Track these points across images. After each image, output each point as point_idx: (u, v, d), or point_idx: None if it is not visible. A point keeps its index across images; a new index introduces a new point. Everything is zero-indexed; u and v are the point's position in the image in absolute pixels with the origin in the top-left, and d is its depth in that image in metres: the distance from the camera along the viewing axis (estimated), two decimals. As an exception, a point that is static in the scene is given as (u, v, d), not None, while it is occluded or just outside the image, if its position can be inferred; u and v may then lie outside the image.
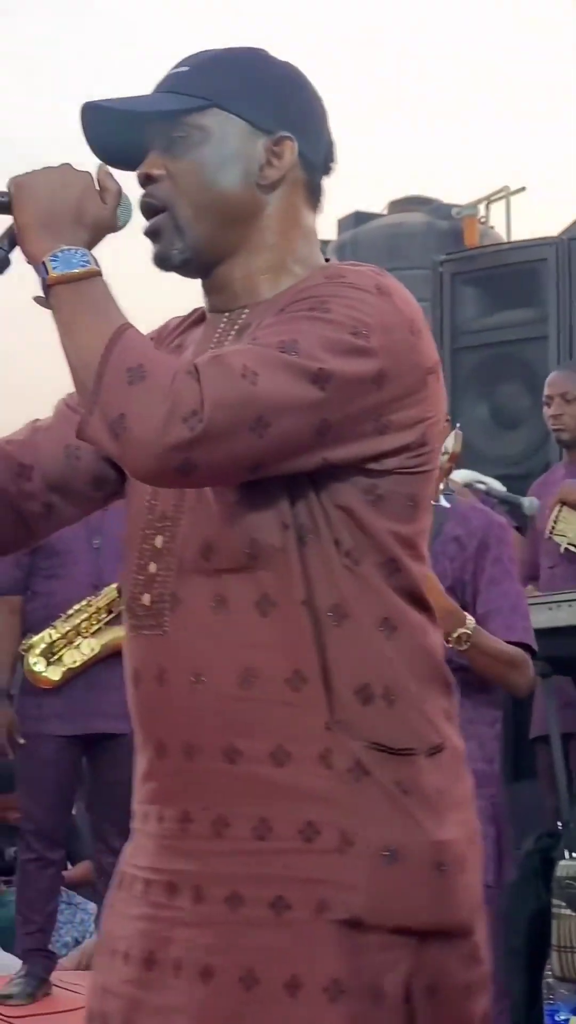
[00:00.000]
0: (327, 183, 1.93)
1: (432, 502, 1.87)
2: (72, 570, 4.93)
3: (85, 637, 5.01)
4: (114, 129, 1.84)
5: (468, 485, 4.51)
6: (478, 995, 1.79)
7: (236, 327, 1.86)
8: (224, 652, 1.75)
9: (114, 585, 4.99)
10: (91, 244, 1.76)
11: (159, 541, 1.82)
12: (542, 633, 3.70)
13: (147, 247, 1.88)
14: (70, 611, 5.03)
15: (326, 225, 7.91)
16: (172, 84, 1.86)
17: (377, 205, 8.07)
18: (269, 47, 1.92)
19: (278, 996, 1.70)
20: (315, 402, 1.67)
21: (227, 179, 1.84)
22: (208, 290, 1.90)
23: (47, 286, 1.73)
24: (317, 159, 1.89)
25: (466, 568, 3.48)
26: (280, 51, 1.90)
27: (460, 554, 3.49)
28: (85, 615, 5.02)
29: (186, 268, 1.86)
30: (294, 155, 1.86)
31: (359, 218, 7.92)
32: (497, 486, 4.91)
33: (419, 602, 1.82)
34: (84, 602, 5.04)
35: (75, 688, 5.02)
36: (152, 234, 1.86)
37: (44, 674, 5.00)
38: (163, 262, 1.86)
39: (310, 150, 1.88)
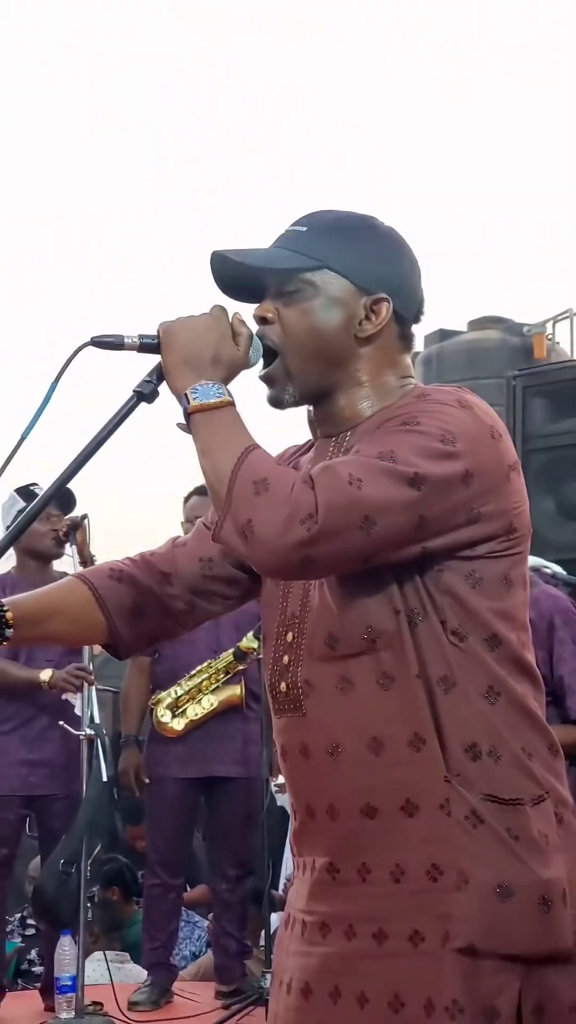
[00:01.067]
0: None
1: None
2: (194, 636, 4.85)
3: (205, 694, 5.48)
4: (237, 272, 1.96)
5: (536, 569, 4.63)
6: None
7: (343, 448, 1.96)
8: (354, 726, 1.86)
9: (231, 650, 5.48)
10: (227, 380, 1.88)
11: (290, 636, 1.94)
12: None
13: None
14: (193, 672, 5.52)
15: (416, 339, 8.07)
16: (291, 242, 1.97)
17: (459, 323, 8.27)
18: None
19: (419, 1017, 1.80)
20: (413, 501, 1.76)
21: (330, 330, 1.95)
22: (316, 421, 2.04)
23: (188, 414, 1.84)
24: (409, 314, 2.01)
25: (537, 649, 3.51)
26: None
27: (531, 636, 3.61)
28: (206, 675, 5.53)
29: (295, 406, 2.01)
30: (389, 313, 1.97)
31: (443, 334, 8.18)
32: (561, 571, 5.08)
33: (522, 669, 1.90)
34: (205, 664, 5.52)
35: (196, 738, 5.52)
36: (267, 381, 1.98)
37: (170, 725, 5.49)
38: (277, 405, 2.00)
39: (404, 307, 1.99)
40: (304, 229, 1.98)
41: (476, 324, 8.21)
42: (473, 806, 1.84)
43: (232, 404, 1.85)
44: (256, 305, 2.00)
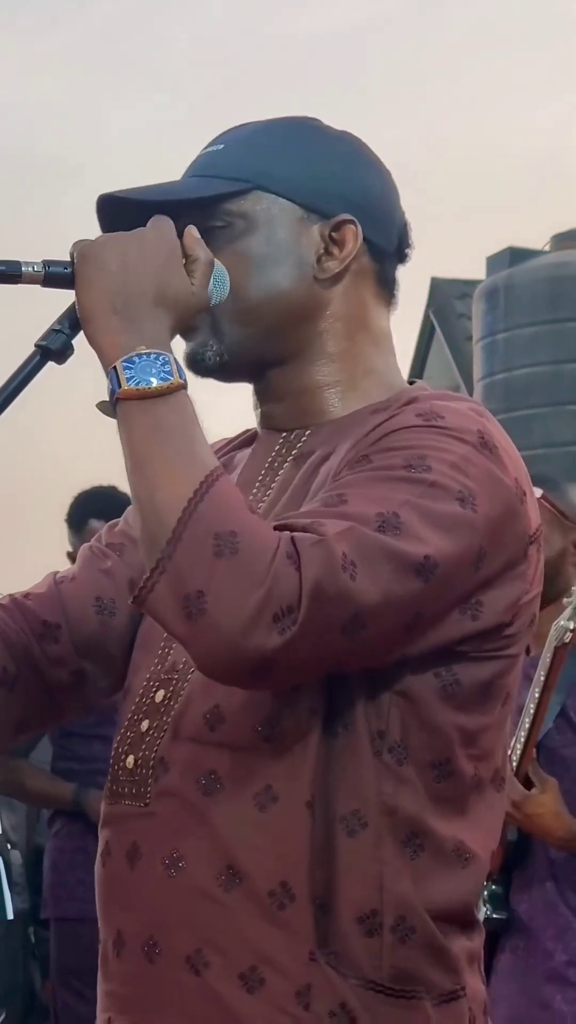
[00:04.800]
0: (404, 272, 1.88)
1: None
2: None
3: None
4: (137, 222, 1.74)
5: None
6: None
7: (294, 453, 1.81)
8: (208, 841, 1.67)
9: None
10: (175, 329, 1.69)
11: (160, 696, 1.76)
12: None
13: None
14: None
15: (473, 262, 7.69)
16: (206, 166, 1.81)
17: (538, 239, 7.96)
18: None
19: None
20: (416, 596, 1.59)
21: (277, 274, 1.79)
22: (259, 400, 1.85)
23: (117, 399, 1.63)
24: (388, 244, 1.82)
25: None
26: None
27: None
28: None
29: (223, 374, 1.80)
30: (358, 241, 1.79)
31: (515, 255, 7.84)
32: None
33: (468, 816, 1.71)
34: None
35: None
36: (183, 331, 1.78)
37: None
38: (195, 364, 1.79)
39: (378, 234, 1.81)
40: (221, 147, 1.80)
41: (563, 240, 7.73)
42: (344, 998, 1.63)
43: (184, 387, 1.62)
44: None
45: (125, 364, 1.63)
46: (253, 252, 1.78)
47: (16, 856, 4.66)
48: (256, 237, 1.78)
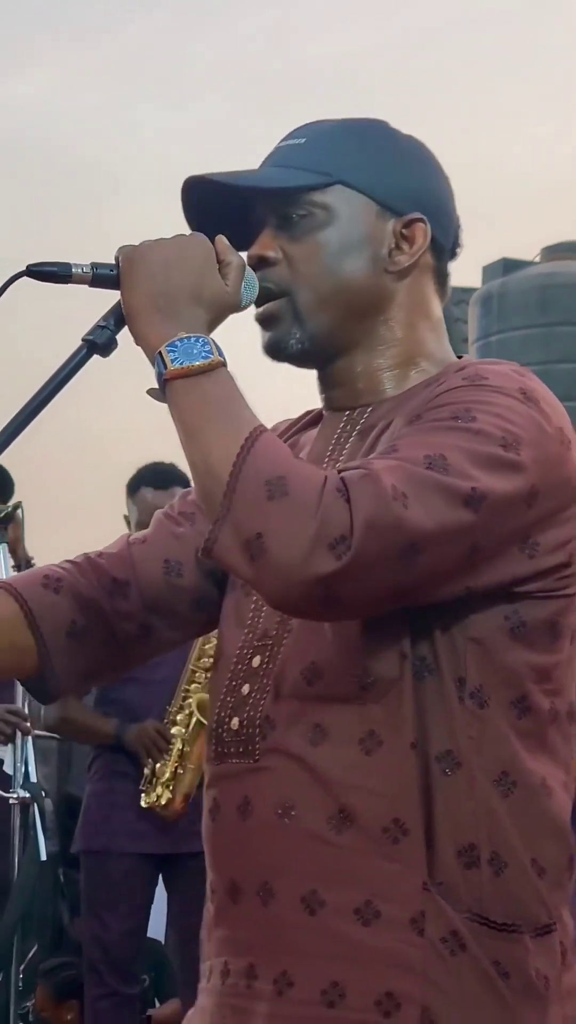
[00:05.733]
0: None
1: None
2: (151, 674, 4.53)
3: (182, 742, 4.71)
4: (218, 205, 1.78)
5: None
6: None
7: (358, 428, 1.80)
8: (319, 789, 1.68)
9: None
10: (211, 326, 1.70)
11: (256, 661, 1.77)
12: None
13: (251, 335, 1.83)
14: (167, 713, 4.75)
15: (469, 271, 7.86)
16: (288, 158, 1.80)
17: (529, 251, 8.04)
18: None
19: None
20: (467, 526, 1.60)
21: (354, 265, 1.78)
22: (325, 385, 1.84)
23: (164, 380, 1.65)
24: (447, 242, 1.84)
25: None
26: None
27: None
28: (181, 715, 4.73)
29: (302, 359, 1.80)
30: (427, 239, 1.80)
31: (508, 266, 7.86)
32: None
33: (548, 750, 1.73)
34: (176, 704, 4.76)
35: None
36: (266, 320, 1.80)
37: (172, 803, 4.63)
38: (277, 351, 1.80)
39: (441, 232, 1.82)
40: (302, 141, 1.80)
41: (552, 252, 7.79)
42: (455, 927, 1.64)
43: (224, 364, 1.65)
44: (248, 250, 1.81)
45: (169, 348, 1.65)
46: (333, 242, 1.78)
47: (48, 804, 4.70)
48: (336, 229, 1.78)
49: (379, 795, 1.67)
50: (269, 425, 1.86)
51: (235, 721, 1.76)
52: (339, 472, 1.60)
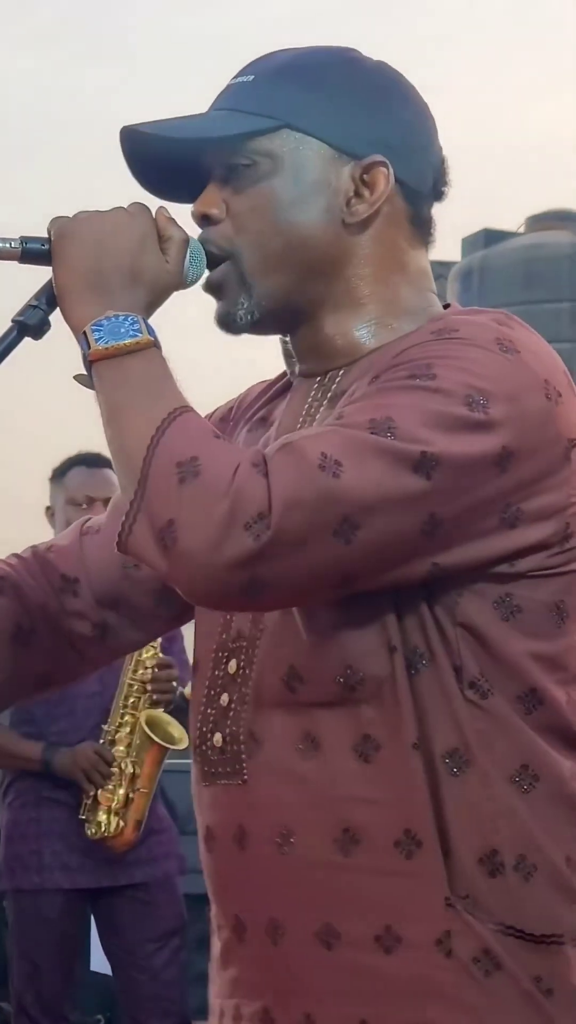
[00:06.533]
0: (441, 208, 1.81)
1: None
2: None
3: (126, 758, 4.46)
4: (164, 155, 1.73)
5: None
6: None
7: (329, 394, 1.75)
8: (318, 808, 1.63)
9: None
10: (150, 307, 1.67)
11: (232, 666, 1.71)
12: None
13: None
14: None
15: (449, 244, 7.72)
16: (234, 99, 1.74)
17: (512, 221, 8.03)
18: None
19: None
20: (418, 494, 1.54)
21: (304, 217, 1.73)
22: (292, 348, 1.79)
23: (89, 361, 1.62)
24: (423, 184, 1.76)
25: None
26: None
27: None
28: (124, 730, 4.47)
29: (256, 329, 1.75)
30: (389, 183, 1.72)
31: (489, 237, 7.81)
32: None
33: (565, 743, 1.65)
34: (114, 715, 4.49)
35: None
36: (213, 289, 1.76)
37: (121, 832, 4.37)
38: (227, 324, 1.75)
39: (412, 174, 1.74)
40: (251, 78, 1.74)
41: (537, 222, 7.74)
42: (486, 944, 1.59)
43: (154, 345, 1.61)
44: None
45: (95, 328, 1.62)
46: (278, 194, 1.72)
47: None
48: (282, 178, 1.71)
49: (384, 805, 1.62)
50: (243, 389, 1.88)
51: (217, 737, 1.72)
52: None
